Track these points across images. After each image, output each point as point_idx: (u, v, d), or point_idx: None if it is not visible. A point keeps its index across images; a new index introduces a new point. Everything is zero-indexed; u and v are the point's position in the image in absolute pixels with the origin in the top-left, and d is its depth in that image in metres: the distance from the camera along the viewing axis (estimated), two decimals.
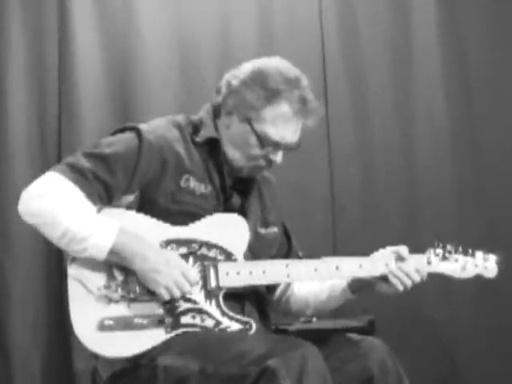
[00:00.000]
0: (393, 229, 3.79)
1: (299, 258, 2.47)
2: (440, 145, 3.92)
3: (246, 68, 2.32)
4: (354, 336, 2.31)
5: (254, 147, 2.29)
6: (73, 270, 2.16)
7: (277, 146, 2.29)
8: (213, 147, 2.32)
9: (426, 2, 3.96)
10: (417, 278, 2.31)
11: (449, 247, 2.39)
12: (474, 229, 3.84)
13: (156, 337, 2.14)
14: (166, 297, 2.14)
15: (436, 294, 3.68)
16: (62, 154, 3.53)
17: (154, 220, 2.23)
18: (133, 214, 2.23)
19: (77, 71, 3.59)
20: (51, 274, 3.43)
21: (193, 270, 2.20)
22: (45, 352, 3.49)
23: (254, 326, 2.19)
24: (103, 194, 2.19)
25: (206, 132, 2.32)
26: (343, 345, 2.26)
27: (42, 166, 3.53)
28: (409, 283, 2.31)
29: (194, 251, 2.23)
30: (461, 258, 2.40)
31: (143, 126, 2.29)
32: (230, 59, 3.54)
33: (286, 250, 2.49)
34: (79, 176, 2.16)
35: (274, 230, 2.43)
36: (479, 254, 2.43)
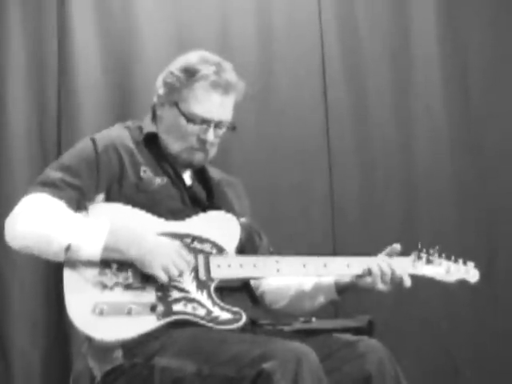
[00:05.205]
0: (392, 229, 3.79)
1: (270, 253, 2.55)
2: (439, 145, 3.93)
3: (174, 61, 2.48)
4: (353, 337, 2.32)
5: (184, 127, 2.40)
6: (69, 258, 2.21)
7: (205, 122, 2.39)
8: (157, 144, 2.44)
9: (425, 2, 3.97)
10: (396, 271, 2.34)
11: (432, 251, 2.45)
12: (474, 229, 3.85)
13: (148, 323, 2.18)
14: (164, 278, 2.20)
15: (435, 294, 3.68)
16: (62, 155, 3.53)
17: (148, 214, 2.32)
18: (127, 209, 2.32)
19: (76, 72, 3.58)
20: (50, 276, 3.42)
21: (185, 251, 2.26)
22: (44, 353, 3.48)
23: (244, 317, 2.22)
24: (79, 198, 2.30)
25: (145, 129, 2.45)
26: (342, 345, 2.27)
27: (41, 167, 3.52)
28: (388, 271, 2.34)
29: (187, 244, 2.29)
30: (444, 262, 2.47)
31: (96, 134, 2.43)
32: (229, 59, 3.51)
33: (255, 243, 2.55)
34: (52, 188, 2.27)
35: (242, 219, 2.47)
36: (460, 261, 2.50)
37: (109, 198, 2.35)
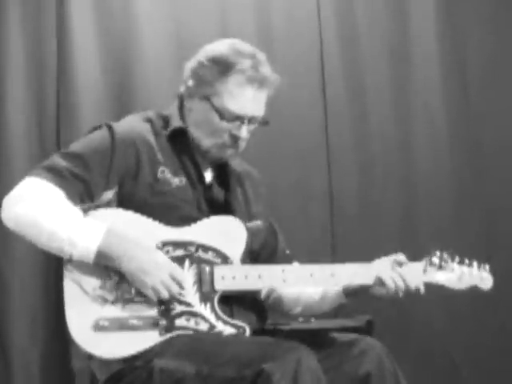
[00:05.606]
0: (391, 226, 3.80)
1: (286, 255, 2.49)
2: (438, 142, 3.93)
3: (203, 50, 2.36)
4: (352, 336, 2.31)
5: (216, 124, 2.29)
6: (69, 271, 2.16)
7: (239, 118, 2.29)
8: (183, 138, 2.33)
9: (424, 1, 3.96)
10: (411, 284, 2.30)
11: (445, 256, 2.36)
12: (472, 226, 3.85)
13: (150, 338, 2.15)
14: (154, 298, 2.15)
15: (435, 294, 3.67)
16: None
17: (151, 221, 2.23)
18: (129, 215, 2.23)
19: (75, 72, 3.59)
20: (50, 274, 3.43)
21: (180, 271, 2.19)
22: (44, 351, 3.49)
23: (248, 331, 2.19)
24: (83, 192, 2.20)
25: (173, 123, 2.34)
26: (341, 344, 2.26)
27: None
28: (401, 285, 2.29)
29: (191, 254, 2.22)
30: (457, 267, 2.38)
31: (114, 123, 2.31)
32: None
33: (273, 246, 2.48)
34: (57, 176, 2.17)
35: (258, 223, 2.42)
36: (475, 264, 2.41)
37: (121, 194, 2.25)
